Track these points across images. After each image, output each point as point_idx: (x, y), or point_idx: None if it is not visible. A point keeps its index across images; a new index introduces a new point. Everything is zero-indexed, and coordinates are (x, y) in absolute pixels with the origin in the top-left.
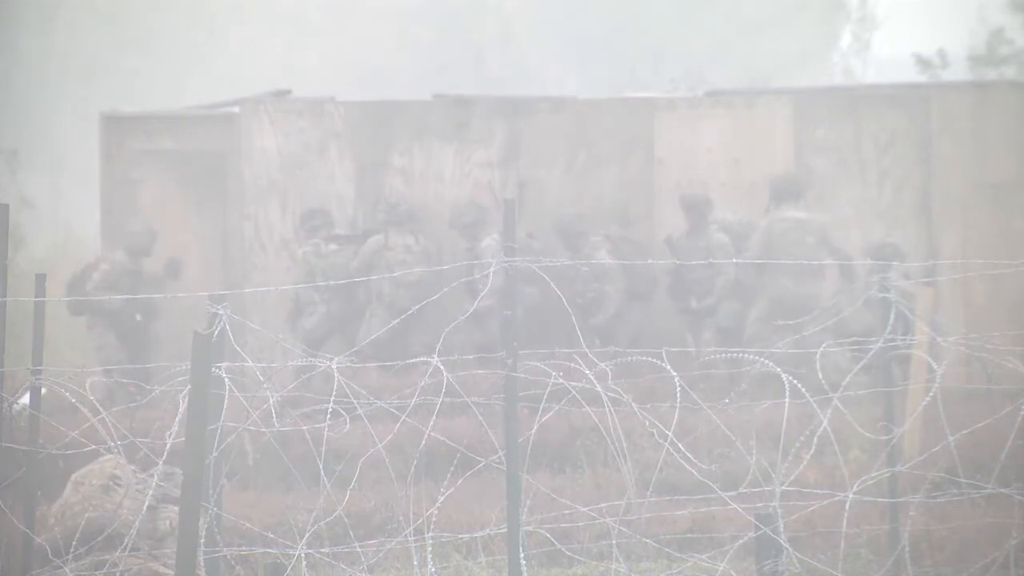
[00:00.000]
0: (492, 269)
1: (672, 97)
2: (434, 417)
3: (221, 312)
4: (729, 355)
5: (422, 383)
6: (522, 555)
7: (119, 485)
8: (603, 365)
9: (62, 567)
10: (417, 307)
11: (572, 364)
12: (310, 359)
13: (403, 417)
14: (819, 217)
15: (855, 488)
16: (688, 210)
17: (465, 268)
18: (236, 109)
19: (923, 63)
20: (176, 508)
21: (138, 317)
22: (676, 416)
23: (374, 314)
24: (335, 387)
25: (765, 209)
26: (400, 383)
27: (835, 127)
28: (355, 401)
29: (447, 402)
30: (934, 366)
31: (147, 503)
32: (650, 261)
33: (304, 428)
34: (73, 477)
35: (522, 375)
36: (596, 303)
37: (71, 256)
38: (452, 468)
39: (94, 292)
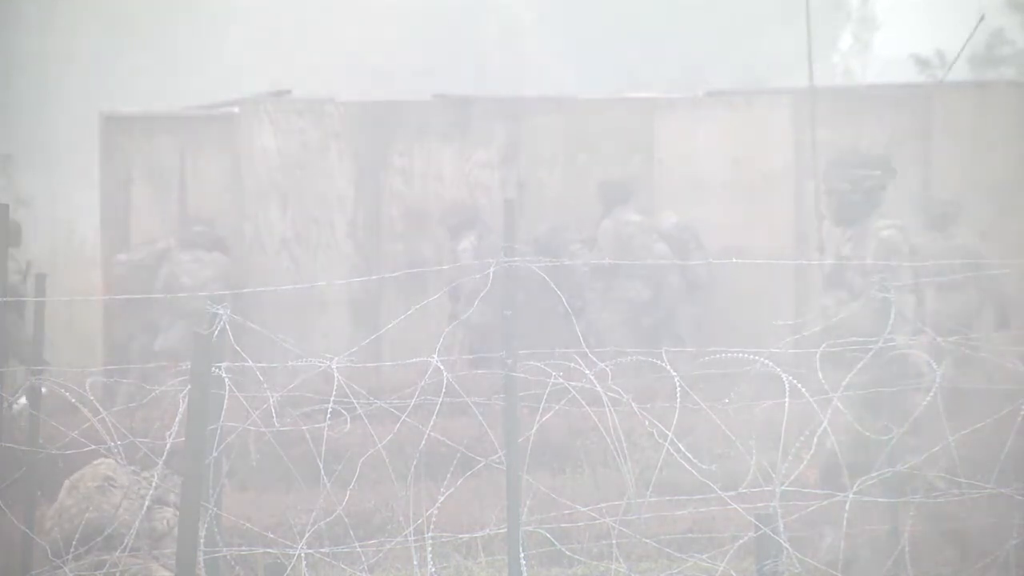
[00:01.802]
0: (492, 269)
1: (672, 97)
2: (434, 417)
3: (221, 312)
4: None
5: (422, 383)
6: (522, 555)
7: (114, 486)
8: (603, 365)
9: (62, 567)
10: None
11: (572, 364)
12: (310, 359)
13: (403, 417)
14: (647, 219)
15: (855, 488)
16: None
17: (457, 270)
18: (236, 109)
19: (922, 63)
20: (170, 509)
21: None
22: (676, 416)
23: (170, 327)
24: (335, 387)
25: (602, 213)
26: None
27: (835, 127)
28: (355, 401)
29: (447, 402)
30: (934, 366)
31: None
32: (650, 261)
33: (304, 428)
34: (67, 482)
35: (522, 375)
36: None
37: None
38: (452, 468)
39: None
